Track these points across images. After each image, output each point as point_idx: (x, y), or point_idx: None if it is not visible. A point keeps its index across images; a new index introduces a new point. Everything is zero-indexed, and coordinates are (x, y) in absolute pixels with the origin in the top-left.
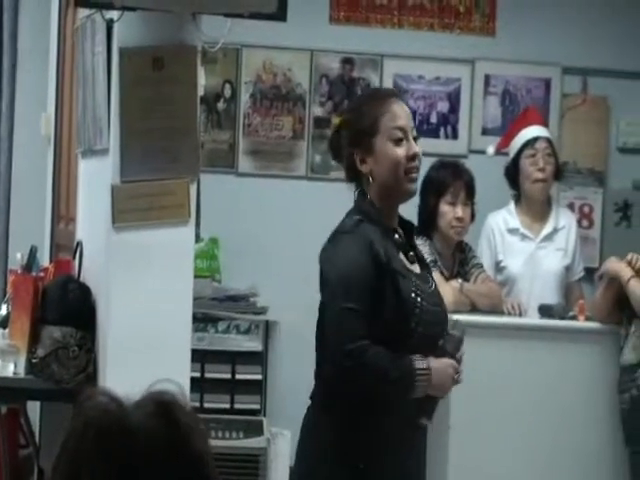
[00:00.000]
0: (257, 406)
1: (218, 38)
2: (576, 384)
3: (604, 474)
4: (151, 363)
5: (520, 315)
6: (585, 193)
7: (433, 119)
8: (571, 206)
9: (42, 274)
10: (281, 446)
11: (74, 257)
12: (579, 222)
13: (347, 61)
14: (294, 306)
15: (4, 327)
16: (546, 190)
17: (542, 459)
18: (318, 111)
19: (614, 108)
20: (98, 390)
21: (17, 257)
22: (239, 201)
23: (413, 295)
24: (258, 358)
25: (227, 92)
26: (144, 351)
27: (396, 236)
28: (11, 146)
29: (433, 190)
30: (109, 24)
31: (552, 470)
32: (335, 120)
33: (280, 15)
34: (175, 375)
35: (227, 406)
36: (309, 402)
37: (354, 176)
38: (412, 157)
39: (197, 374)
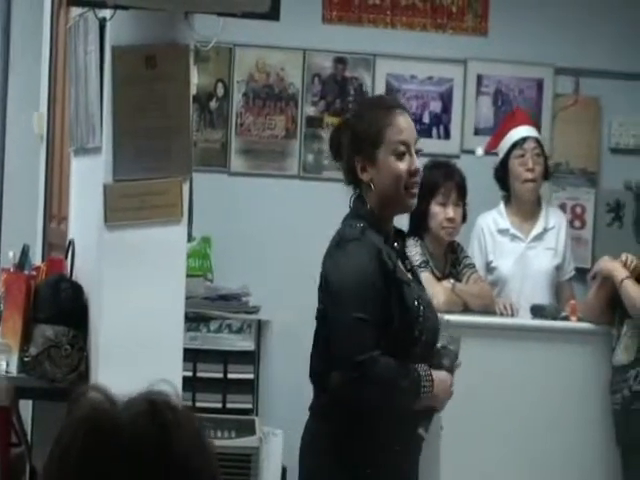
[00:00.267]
0: (249, 405)
1: (211, 37)
2: (568, 384)
3: (596, 474)
4: (143, 362)
5: (512, 315)
6: (577, 193)
7: (425, 119)
8: (563, 206)
9: (34, 273)
10: (273, 445)
11: (66, 256)
12: (571, 223)
13: (340, 61)
14: (286, 305)
15: None
16: (536, 190)
17: (534, 459)
18: (311, 110)
19: (606, 109)
20: (92, 387)
21: (9, 256)
22: (231, 200)
23: (416, 304)
24: (250, 357)
25: (220, 91)
26: (136, 350)
27: (395, 244)
28: (3, 145)
29: (424, 191)
30: (102, 23)
31: (544, 470)
32: (334, 120)
33: (273, 14)
34: (167, 374)
35: (219, 405)
36: (301, 401)
37: (353, 180)
38: (414, 173)
39: (189, 373)
